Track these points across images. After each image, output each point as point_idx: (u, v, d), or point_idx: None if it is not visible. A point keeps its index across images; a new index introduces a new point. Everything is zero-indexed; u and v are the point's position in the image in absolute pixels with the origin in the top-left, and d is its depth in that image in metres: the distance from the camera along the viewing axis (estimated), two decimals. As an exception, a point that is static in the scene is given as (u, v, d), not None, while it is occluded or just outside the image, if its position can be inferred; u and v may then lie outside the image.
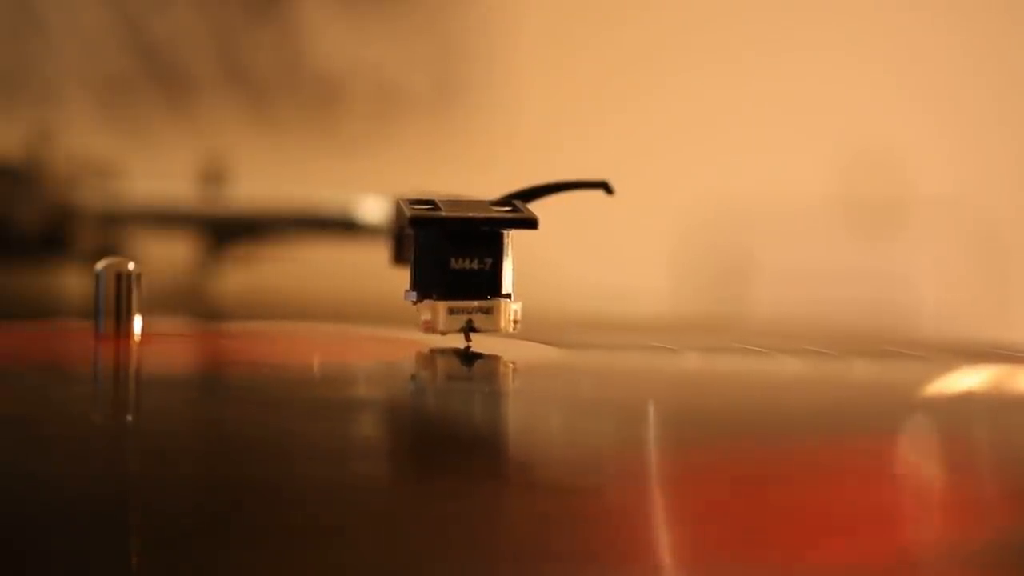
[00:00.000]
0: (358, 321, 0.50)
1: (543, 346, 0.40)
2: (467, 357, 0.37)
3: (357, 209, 0.67)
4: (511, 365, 0.39)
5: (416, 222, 0.36)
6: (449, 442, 0.29)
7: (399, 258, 0.43)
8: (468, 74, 1.06)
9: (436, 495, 0.24)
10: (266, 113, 1.06)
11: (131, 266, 0.38)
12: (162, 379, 0.36)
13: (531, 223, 0.37)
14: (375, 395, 0.35)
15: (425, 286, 0.37)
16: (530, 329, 0.38)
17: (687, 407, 0.33)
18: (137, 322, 0.38)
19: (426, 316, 0.36)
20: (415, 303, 0.37)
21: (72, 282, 0.66)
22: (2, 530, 0.22)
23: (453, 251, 0.36)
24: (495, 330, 0.37)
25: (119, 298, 0.37)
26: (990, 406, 0.35)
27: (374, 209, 0.66)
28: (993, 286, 1.01)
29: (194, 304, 0.62)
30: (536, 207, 0.37)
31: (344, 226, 0.67)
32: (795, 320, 0.83)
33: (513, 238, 0.37)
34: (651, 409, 0.33)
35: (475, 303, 0.37)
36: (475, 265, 0.37)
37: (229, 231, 0.68)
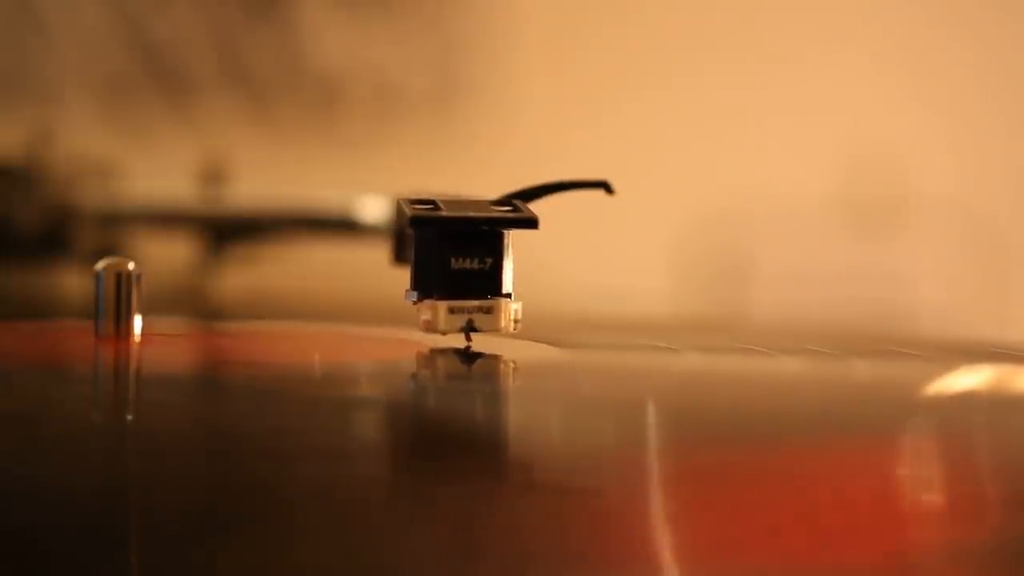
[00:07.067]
0: (358, 321, 0.50)
1: (543, 346, 0.40)
2: (467, 357, 0.37)
3: (357, 209, 0.67)
4: (511, 365, 0.39)
5: (416, 222, 0.36)
6: (449, 442, 0.29)
7: (399, 258, 0.43)
8: (469, 74, 1.06)
9: (436, 495, 0.24)
10: (266, 113, 1.06)
11: (131, 266, 0.38)
12: (162, 379, 0.36)
13: (531, 223, 0.37)
14: (375, 395, 0.35)
15: (425, 286, 0.37)
16: (530, 329, 0.38)
17: (687, 407, 0.33)
18: (137, 322, 0.38)
19: (426, 316, 0.36)
20: (415, 303, 0.37)
21: (72, 282, 0.66)
22: (2, 530, 0.22)
23: (453, 251, 0.36)
24: (495, 330, 0.37)
25: (119, 298, 0.37)
26: (990, 406, 0.35)
27: (374, 209, 0.66)
28: (993, 286, 1.01)
29: (194, 304, 0.62)
30: (536, 207, 0.37)
31: (344, 226, 0.67)
32: (795, 320, 0.83)
33: (513, 238, 0.37)
34: (651, 409, 0.33)
35: (475, 303, 0.37)
36: (475, 265, 0.37)
37: (229, 231, 0.68)
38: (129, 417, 0.31)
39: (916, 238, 1.01)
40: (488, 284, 0.37)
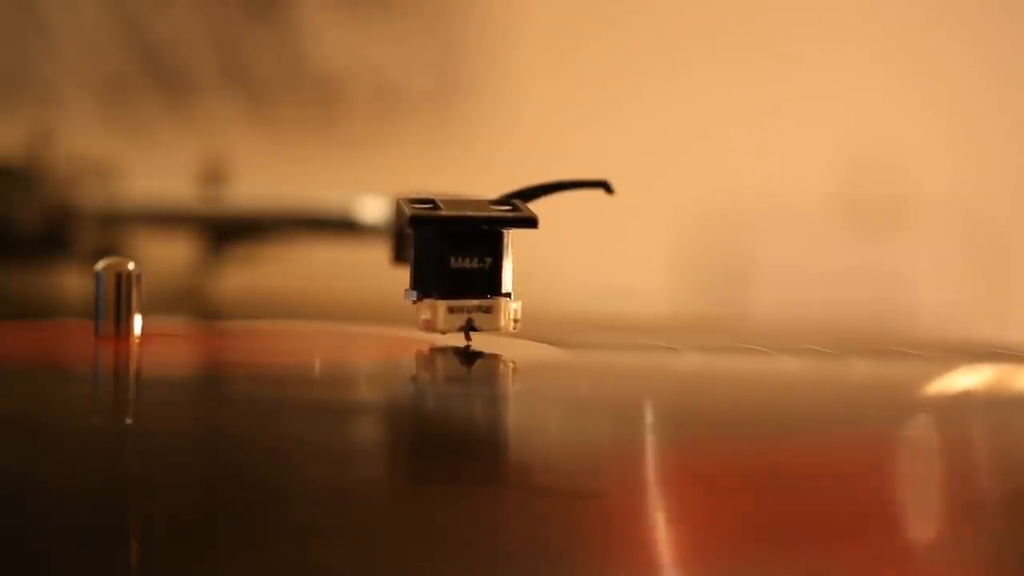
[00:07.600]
0: (358, 320, 0.50)
1: (543, 345, 0.40)
2: (467, 356, 0.37)
3: (357, 209, 0.67)
4: (511, 364, 0.39)
5: (416, 221, 0.36)
6: (449, 443, 0.29)
7: (399, 257, 0.43)
8: (469, 74, 1.06)
9: (435, 497, 0.24)
10: (266, 113, 1.06)
11: (131, 266, 0.38)
12: (162, 379, 0.36)
13: (531, 222, 0.37)
14: (375, 395, 0.35)
15: (425, 285, 0.37)
16: (530, 328, 0.38)
17: (687, 407, 0.33)
18: (137, 322, 0.38)
19: (426, 315, 0.36)
20: (415, 302, 0.37)
21: (72, 282, 0.66)
22: (2, 530, 0.22)
23: (453, 250, 0.36)
24: (495, 329, 0.37)
25: (119, 298, 0.37)
26: (990, 406, 0.35)
27: (374, 209, 0.66)
28: (993, 286, 1.01)
29: (194, 304, 0.62)
30: (536, 206, 0.37)
31: (344, 226, 0.67)
32: (795, 320, 0.83)
33: (513, 237, 0.37)
34: (650, 409, 0.33)
35: (475, 302, 0.37)
36: (475, 264, 0.37)
37: (229, 231, 0.68)
38: (128, 418, 0.31)
39: (916, 238, 1.01)
40: (488, 283, 0.37)
